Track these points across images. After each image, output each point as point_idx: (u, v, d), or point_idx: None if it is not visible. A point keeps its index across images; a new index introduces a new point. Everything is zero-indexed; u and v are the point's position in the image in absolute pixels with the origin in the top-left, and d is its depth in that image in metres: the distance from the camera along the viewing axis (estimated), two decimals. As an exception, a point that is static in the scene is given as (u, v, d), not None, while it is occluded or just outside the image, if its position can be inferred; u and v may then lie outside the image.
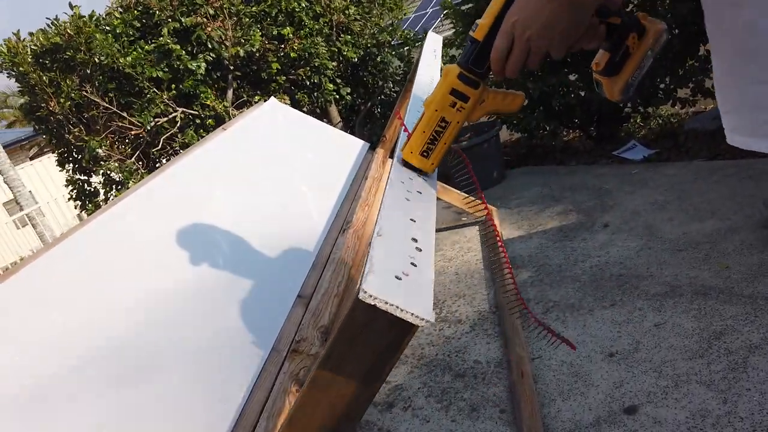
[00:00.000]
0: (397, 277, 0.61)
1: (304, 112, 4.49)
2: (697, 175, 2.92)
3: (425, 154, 0.90)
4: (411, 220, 0.77)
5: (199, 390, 1.29)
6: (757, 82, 0.69)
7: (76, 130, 3.45)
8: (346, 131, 5.22)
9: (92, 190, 4.03)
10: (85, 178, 4.00)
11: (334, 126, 4.58)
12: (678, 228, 2.48)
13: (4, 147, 8.26)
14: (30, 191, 7.31)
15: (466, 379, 2.02)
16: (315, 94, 4.05)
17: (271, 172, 2.30)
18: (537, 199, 3.33)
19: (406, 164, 0.92)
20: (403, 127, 1.07)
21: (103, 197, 3.99)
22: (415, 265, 0.66)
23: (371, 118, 5.08)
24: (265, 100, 3.23)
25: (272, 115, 2.85)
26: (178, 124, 3.45)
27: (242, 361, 1.39)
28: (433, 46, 2.13)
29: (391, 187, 0.85)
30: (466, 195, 3.19)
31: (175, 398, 1.23)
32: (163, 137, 3.49)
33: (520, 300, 1.41)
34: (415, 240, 0.72)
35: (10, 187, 7.04)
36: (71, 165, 3.98)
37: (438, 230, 3.39)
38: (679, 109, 3.80)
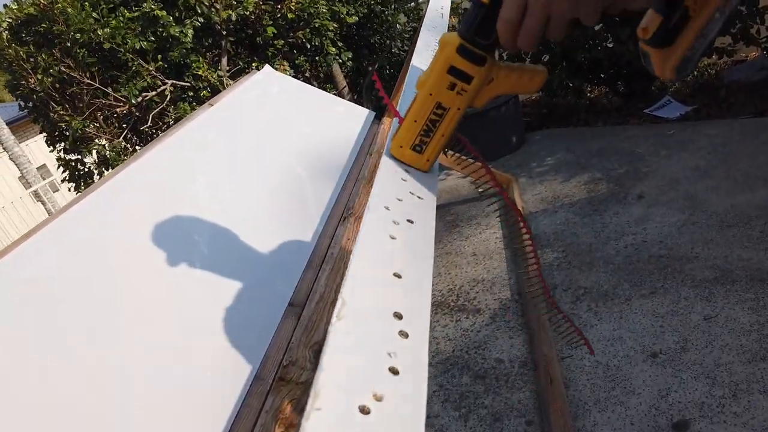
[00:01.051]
0: (361, 410, 0.37)
1: (306, 78, 4.21)
2: (743, 135, 2.60)
3: (418, 148, 0.71)
4: (395, 275, 0.52)
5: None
6: None
7: (59, 108, 3.20)
8: (352, 96, 4.92)
9: (86, 170, 3.81)
10: (78, 157, 3.77)
11: (339, 91, 4.29)
12: (725, 199, 2.18)
13: (11, 123, 8.10)
14: (36, 168, 7.16)
15: (487, 381, 1.80)
16: (317, 58, 3.74)
17: (263, 152, 2.05)
18: (561, 167, 3.03)
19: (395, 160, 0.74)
20: (395, 114, 0.81)
21: (98, 178, 3.78)
22: (397, 373, 0.41)
23: (380, 79, 4.75)
24: (259, 68, 2.96)
25: (266, 86, 2.58)
26: (168, 98, 3.18)
27: (220, 393, 1.17)
28: (440, 2, 1.83)
29: (370, 213, 0.59)
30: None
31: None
32: (153, 113, 3.23)
33: (546, 291, 1.17)
34: (398, 317, 0.47)
35: (16, 164, 6.89)
36: (61, 145, 3.75)
37: (453, 203, 3.13)
38: (716, 59, 3.43)
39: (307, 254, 1.66)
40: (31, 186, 7.10)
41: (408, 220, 0.62)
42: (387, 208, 0.62)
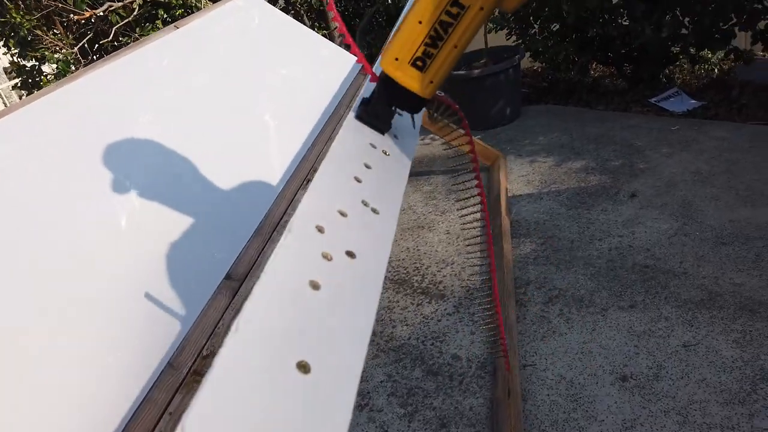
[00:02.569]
0: None
1: (296, 13, 3.88)
2: (752, 144, 2.42)
3: (419, 63, 0.52)
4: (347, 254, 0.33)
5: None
6: None
7: (11, 6, 2.81)
8: (344, 41, 4.57)
9: (43, 78, 3.44)
10: (34, 63, 3.39)
11: (330, 32, 3.97)
12: (724, 212, 2.02)
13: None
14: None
15: (439, 379, 1.65)
16: (311, -9, 3.41)
17: (226, 91, 1.80)
18: (554, 149, 2.83)
19: (386, 85, 0.53)
20: (354, 51, 0.61)
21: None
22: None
23: (376, 24, 4.44)
24: (241, -6, 2.65)
25: (245, 14, 2.30)
26: (136, 12, 2.84)
27: (122, 381, 0.99)
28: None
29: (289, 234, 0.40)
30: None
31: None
32: (116, 27, 2.89)
33: (496, 306, 1.02)
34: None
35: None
36: (11, 48, 3.37)
37: (434, 172, 2.93)
38: (732, 60, 3.20)
39: (258, 219, 1.45)
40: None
41: (363, 202, 0.43)
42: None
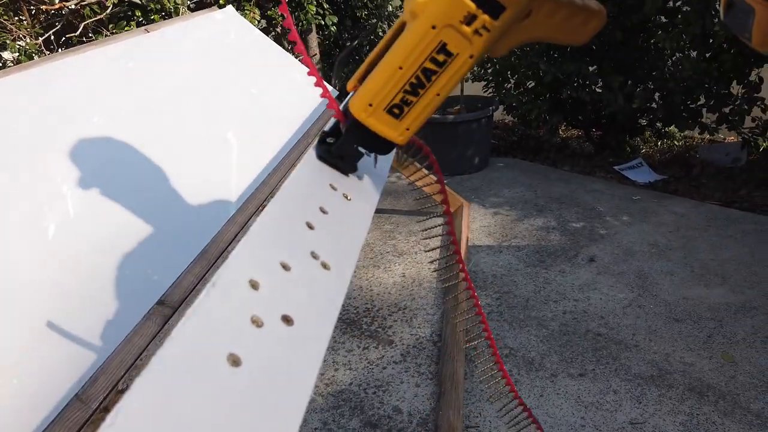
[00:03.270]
0: None
1: (275, 34, 3.83)
2: (709, 222, 2.46)
3: (396, 110, 0.45)
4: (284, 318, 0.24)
5: None
6: None
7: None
8: (322, 67, 4.57)
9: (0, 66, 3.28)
10: (-7, 49, 3.23)
11: (310, 58, 3.93)
12: (678, 288, 2.02)
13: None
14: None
15: (377, 432, 1.55)
16: (295, 14, 3.37)
17: (190, 105, 1.72)
18: (518, 203, 2.82)
19: (356, 130, 0.47)
20: (319, 83, 0.55)
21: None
22: None
23: (357, 57, 4.43)
24: (221, 6, 2.58)
25: (221, 28, 2.23)
26: (110, 9, 2.73)
27: (24, 411, 0.86)
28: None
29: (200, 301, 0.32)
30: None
31: None
32: (87, 22, 2.77)
33: (493, 349, 0.96)
34: None
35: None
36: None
37: (396, 211, 2.88)
38: (698, 133, 3.31)
39: (205, 242, 1.36)
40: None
41: (312, 254, 0.36)
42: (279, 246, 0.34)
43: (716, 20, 2.65)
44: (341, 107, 0.52)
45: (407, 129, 0.47)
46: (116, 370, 0.99)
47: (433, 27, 0.41)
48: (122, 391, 0.94)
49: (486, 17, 0.40)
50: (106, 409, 0.91)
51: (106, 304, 1.08)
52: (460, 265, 0.69)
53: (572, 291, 2.06)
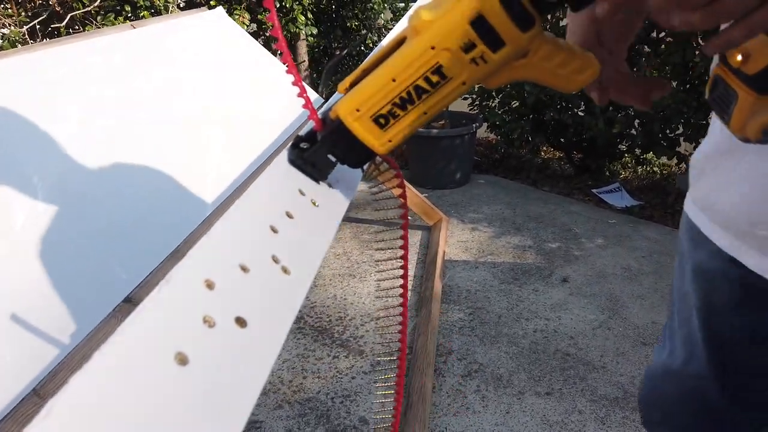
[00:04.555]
0: None
1: (264, 38, 3.83)
2: (680, 250, 2.50)
3: (382, 120, 0.46)
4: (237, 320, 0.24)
5: None
6: None
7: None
8: (310, 75, 4.58)
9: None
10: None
11: (297, 65, 3.94)
12: (648, 313, 2.05)
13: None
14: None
15: (342, 442, 1.55)
16: (283, 20, 3.38)
17: (173, 101, 1.71)
18: (496, 220, 2.85)
19: (338, 133, 0.48)
20: (302, 93, 0.55)
21: None
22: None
23: (345, 66, 4.45)
24: (211, 7, 2.58)
25: (210, 30, 2.22)
26: (97, 2, 2.71)
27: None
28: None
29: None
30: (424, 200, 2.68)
31: None
32: (74, 13, 2.74)
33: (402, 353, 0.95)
34: None
35: None
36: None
37: (376, 221, 2.88)
38: (675, 162, 3.38)
39: (178, 242, 1.34)
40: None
41: (273, 258, 0.36)
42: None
43: (697, 51, 2.72)
44: (320, 115, 0.53)
45: (389, 141, 0.47)
46: (77, 366, 0.97)
47: (432, 47, 0.42)
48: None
49: (485, 48, 0.41)
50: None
51: (73, 301, 1.06)
52: (402, 281, 0.68)
53: (544, 310, 2.08)
